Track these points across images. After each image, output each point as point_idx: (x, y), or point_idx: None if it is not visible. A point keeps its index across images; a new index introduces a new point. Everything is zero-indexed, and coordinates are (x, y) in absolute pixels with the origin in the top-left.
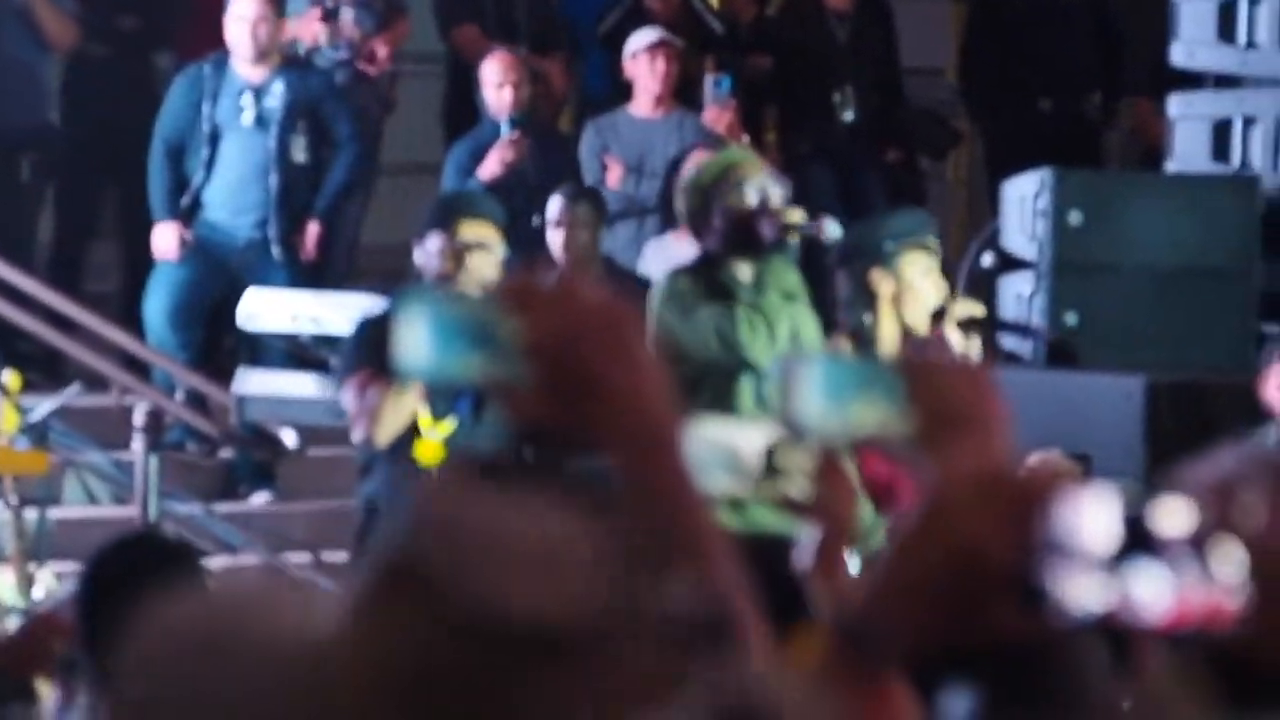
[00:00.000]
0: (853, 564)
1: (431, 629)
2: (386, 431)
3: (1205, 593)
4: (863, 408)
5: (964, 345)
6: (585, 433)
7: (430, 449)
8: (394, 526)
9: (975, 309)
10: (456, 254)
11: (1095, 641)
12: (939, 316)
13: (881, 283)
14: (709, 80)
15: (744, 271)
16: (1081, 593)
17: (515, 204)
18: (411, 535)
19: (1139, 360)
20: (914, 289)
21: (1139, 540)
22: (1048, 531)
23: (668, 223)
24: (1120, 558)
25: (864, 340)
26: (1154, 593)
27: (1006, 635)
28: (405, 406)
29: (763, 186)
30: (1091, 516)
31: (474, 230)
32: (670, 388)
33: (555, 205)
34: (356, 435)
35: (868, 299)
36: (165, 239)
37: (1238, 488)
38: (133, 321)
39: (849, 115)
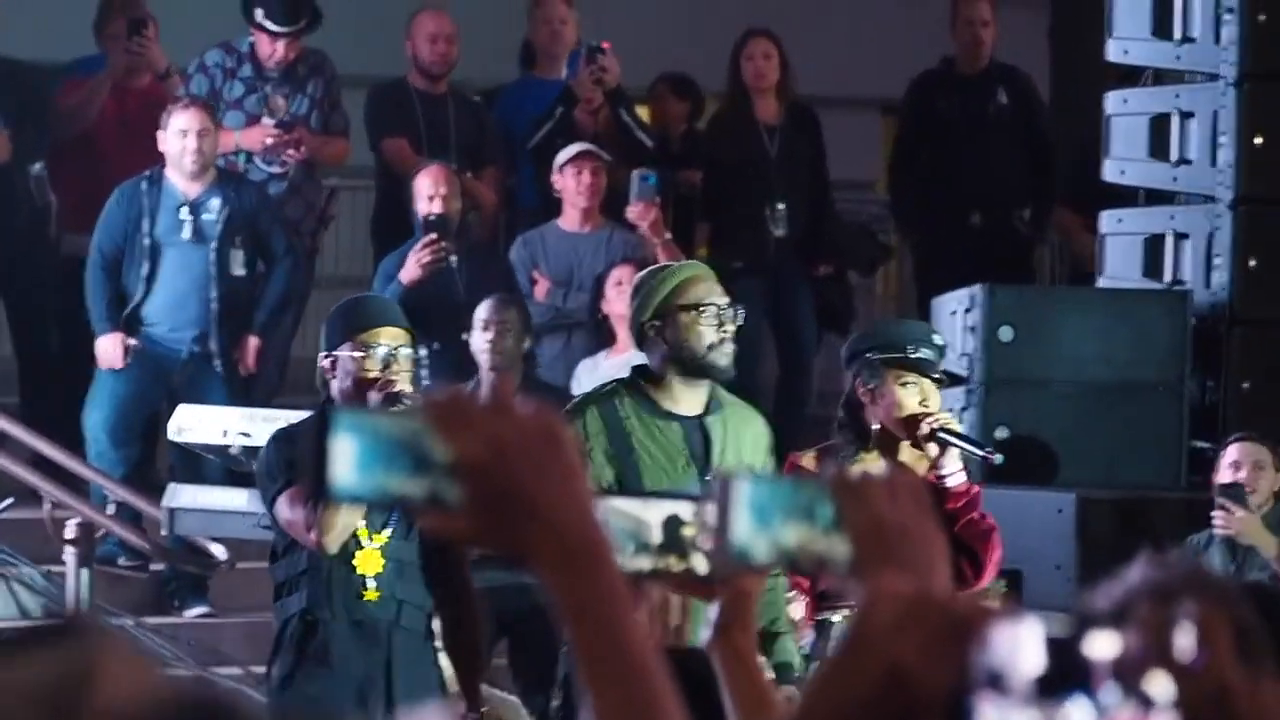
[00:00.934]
0: (758, 648)
1: None
2: (336, 540)
3: None
4: (792, 529)
5: (931, 457)
6: (515, 550)
7: (370, 559)
8: None
9: (953, 423)
10: (383, 362)
11: None
12: (914, 424)
13: (862, 392)
14: (635, 175)
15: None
16: (1012, 718)
17: (445, 318)
18: None
19: (1071, 476)
20: (891, 399)
21: (1068, 668)
22: (978, 658)
23: (597, 338)
24: (1049, 686)
25: (843, 446)
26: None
27: None
28: (351, 514)
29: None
30: (1021, 644)
31: (390, 336)
32: (597, 503)
33: (485, 308)
34: (307, 542)
35: (853, 408)
36: (110, 349)
37: (1168, 609)
38: (42, 430)
39: (780, 230)
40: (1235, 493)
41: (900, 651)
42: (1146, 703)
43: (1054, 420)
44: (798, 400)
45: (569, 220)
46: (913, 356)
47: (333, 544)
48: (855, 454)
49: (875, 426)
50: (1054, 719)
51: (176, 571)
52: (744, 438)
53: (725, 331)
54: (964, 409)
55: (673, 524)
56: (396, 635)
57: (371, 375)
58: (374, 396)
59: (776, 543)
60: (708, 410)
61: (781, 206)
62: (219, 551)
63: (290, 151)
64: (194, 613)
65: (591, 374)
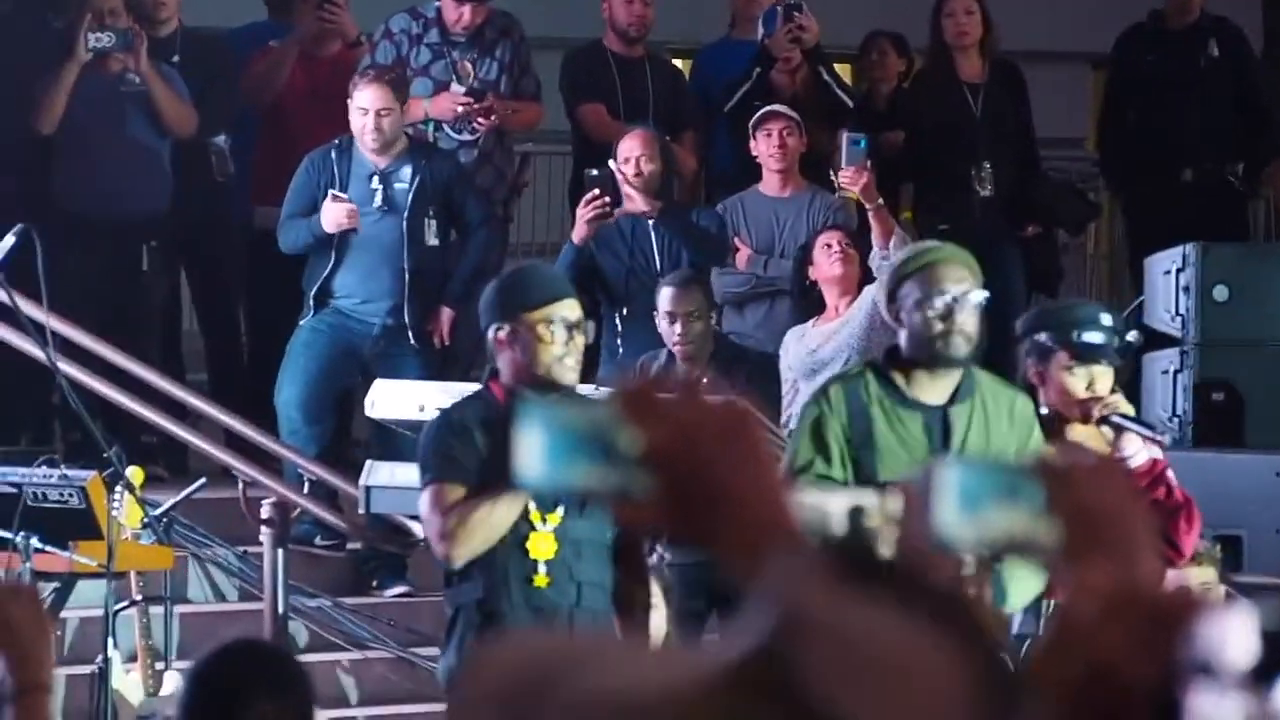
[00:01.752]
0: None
1: (777, 714)
2: (464, 553)
3: None
4: (999, 516)
5: (1105, 442)
6: (707, 539)
7: (543, 541)
8: (759, 615)
9: (1124, 405)
10: (566, 332)
11: None
12: (1085, 410)
13: (1032, 374)
14: (845, 139)
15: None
16: (1223, 712)
17: (641, 285)
18: (778, 629)
19: None
20: (1058, 384)
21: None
22: (1188, 650)
23: (800, 308)
24: (1262, 676)
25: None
26: None
27: None
28: (491, 523)
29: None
30: (1232, 634)
31: (568, 308)
32: (790, 489)
33: (666, 299)
34: (437, 550)
35: (1028, 385)
36: (335, 213)
37: None
38: (231, 408)
39: (987, 191)
40: None
41: (1105, 647)
42: None
43: (1271, 380)
44: (1008, 367)
45: (768, 185)
46: (1078, 341)
47: (460, 558)
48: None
49: (1044, 410)
50: (1268, 708)
51: (374, 551)
52: (998, 423)
53: (952, 322)
54: (1178, 370)
55: (856, 515)
56: (579, 618)
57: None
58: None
59: (983, 530)
60: (954, 398)
61: (988, 166)
62: (418, 530)
63: (480, 119)
64: (393, 592)
65: (799, 343)
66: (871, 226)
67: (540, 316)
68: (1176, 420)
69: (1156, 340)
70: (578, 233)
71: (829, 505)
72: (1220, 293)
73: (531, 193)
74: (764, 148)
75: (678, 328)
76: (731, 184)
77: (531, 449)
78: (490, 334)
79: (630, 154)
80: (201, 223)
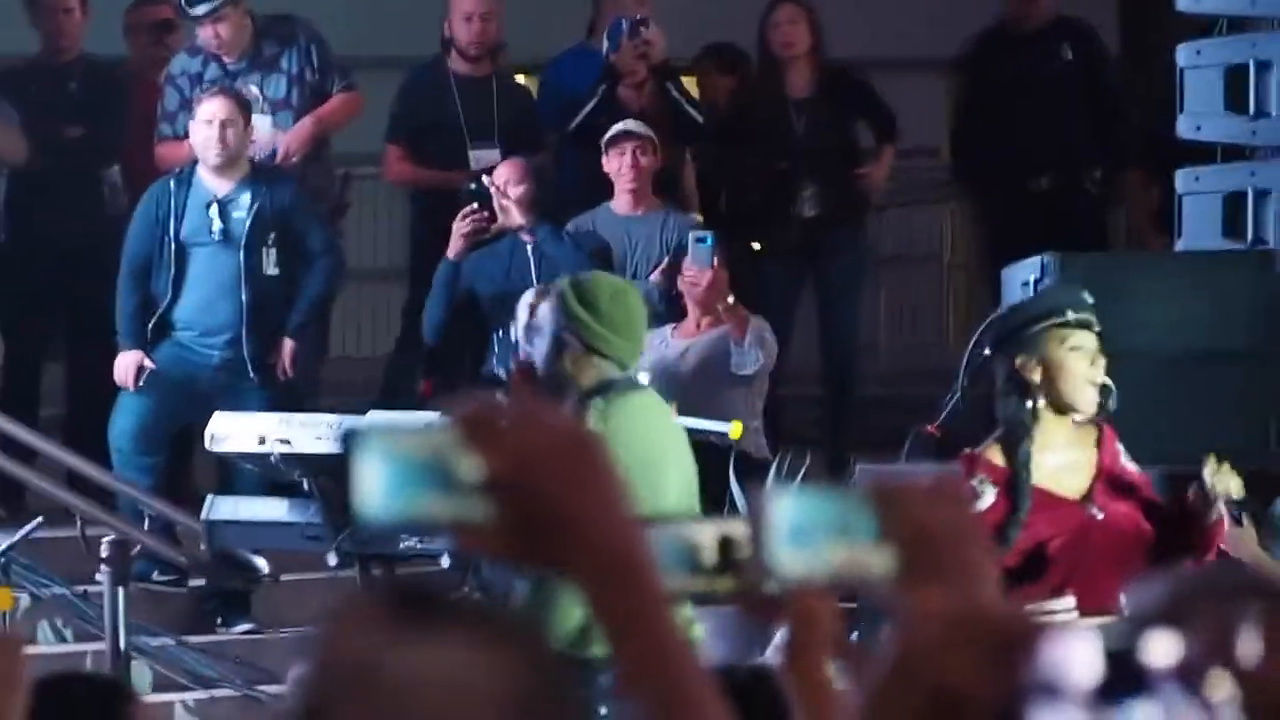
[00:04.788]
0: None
1: None
2: None
3: None
4: (833, 545)
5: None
6: (552, 566)
7: None
8: (306, 669)
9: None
10: None
11: None
12: (1094, 393)
13: (1029, 370)
14: (691, 238)
15: None
16: None
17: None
18: (312, 680)
19: (1154, 451)
20: (1065, 369)
21: (1126, 676)
22: (1032, 671)
23: (669, 314)
24: (1108, 695)
25: (1018, 434)
26: None
27: None
28: None
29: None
30: (1077, 654)
31: None
32: (635, 509)
33: (530, 296)
34: None
35: (1020, 389)
36: (124, 369)
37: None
38: (81, 446)
39: (811, 210)
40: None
41: (947, 672)
42: (1207, 706)
43: (1134, 393)
44: (848, 386)
45: (620, 204)
46: (1074, 318)
47: None
48: (1032, 444)
49: (1037, 404)
50: None
51: (218, 587)
52: None
53: None
54: None
55: (727, 545)
56: None
57: None
58: None
59: (816, 560)
60: None
61: (809, 187)
62: (262, 564)
63: (295, 148)
64: (238, 629)
65: (659, 349)
66: (726, 322)
67: None
68: None
69: None
70: (453, 247)
71: (697, 535)
72: None
73: (358, 215)
74: (616, 166)
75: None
76: (578, 202)
77: (369, 481)
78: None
79: (499, 180)
80: (88, 257)
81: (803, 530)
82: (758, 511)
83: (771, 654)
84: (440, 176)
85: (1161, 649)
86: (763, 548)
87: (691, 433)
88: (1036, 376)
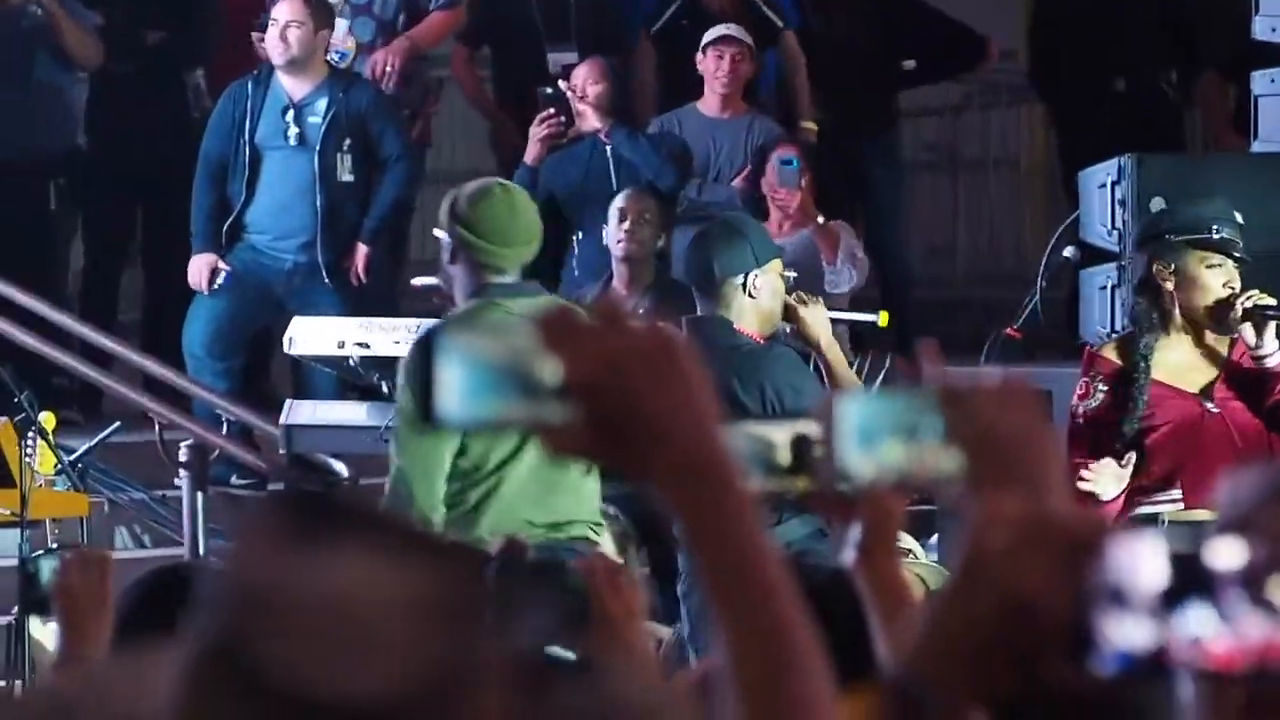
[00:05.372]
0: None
1: (248, 711)
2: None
3: (1261, 630)
4: (899, 446)
5: (1254, 338)
6: (635, 469)
7: None
8: (205, 597)
9: (1266, 299)
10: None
11: (1158, 692)
12: (1225, 307)
13: (1164, 276)
14: (775, 158)
15: None
16: (1135, 636)
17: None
18: (220, 609)
19: None
20: (1198, 284)
21: (1192, 580)
22: (1099, 576)
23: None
24: (1173, 599)
25: (1140, 331)
26: (1208, 632)
27: (1062, 687)
28: None
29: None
30: (1143, 558)
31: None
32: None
33: (622, 197)
34: None
35: (1153, 292)
36: (198, 271)
37: None
38: (158, 350)
39: None
40: None
41: (1017, 578)
42: (1272, 611)
43: None
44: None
45: (708, 105)
46: (1217, 237)
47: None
48: (1157, 340)
49: (1167, 309)
50: (1177, 631)
51: (298, 491)
52: None
53: None
54: (1115, 285)
55: (801, 444)
56: None
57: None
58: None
59: (884, 461)
60: None
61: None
62: (340, 468)
63: (386, 71)
64: None
65: None
66: (817, 243)
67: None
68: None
69: (1094, 255)
70: (530, 153)
71: (772, 435)
72: (1157, 204)
73: (449, 117)
74: (712, 67)
75: (626, 224)
76: (658, 106)
77: (450, 385)
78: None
79: (576, 80)
80: (169, 158)
81: (872, 432)
82: (829, 413)
83: (845, 554)
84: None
85: (1225, 553)
86: (833, 449)
87: (842, 322)
88: (1170, 285)
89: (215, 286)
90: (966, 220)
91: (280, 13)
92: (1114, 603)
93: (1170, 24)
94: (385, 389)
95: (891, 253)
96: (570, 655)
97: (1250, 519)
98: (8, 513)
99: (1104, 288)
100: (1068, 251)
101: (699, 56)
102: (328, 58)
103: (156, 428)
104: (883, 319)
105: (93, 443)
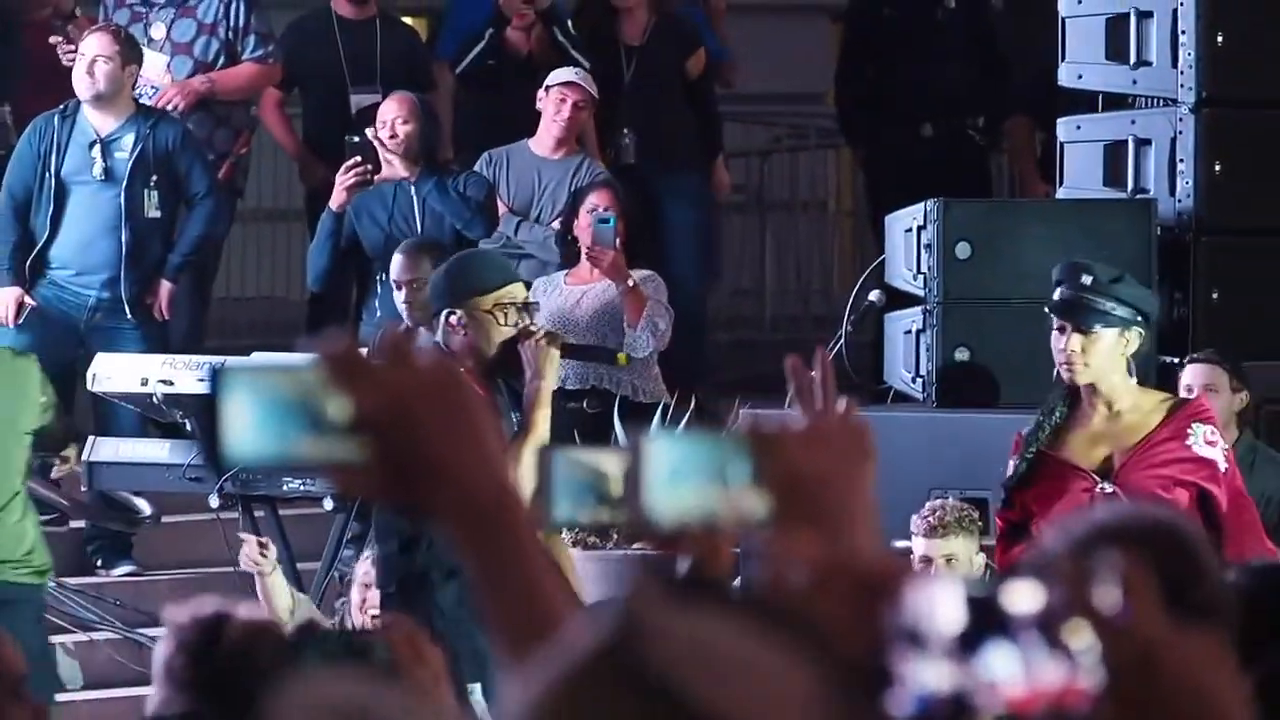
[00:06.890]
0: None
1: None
2: None
3: (1057, 673)
4: (706, 488)
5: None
6: (422, 509)
7: None
8: (599, 618)
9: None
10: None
11: None
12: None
13: None
14: (593, 217)
15: None
16: (933, 678)
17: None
18: (623, 626)
19: (1036, 397)
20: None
21: (989, 623)
22: (896, 618)
23: (565, 261)
24: (971, 642)
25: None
26: (1004, 674)
27: None
28: None
29: None
30: (940, 600)
31: (520, 290)
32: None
33: (395, 267)
34: None
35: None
36: (2, 305)
37: (1091, 563)
38: None
39: (628, 159)
40: None
41: (821, 620)
42: (1068, 655)
43: (1016, 339)
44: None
45: (541, 144)
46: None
47: None
48: (1051, 411)
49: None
50: (974, 673)
51: (98, 529)
52: None
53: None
54: (920, 330)
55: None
56: None
57: (530, 328)
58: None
59: (690, 503)
60: None
61: (628, 134)
62: (143, 506)
63: (176, 102)
64: (119, 572)
65: (553, 296)
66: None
67: (493, 301)
68: (920, 381)
69: (900, 299)
70: (335, 199)
71: (604, 465)
72: (963, 250)
73: (257, 158)
74: (552, 109)
75: (403, 295)
76: (471, 145)
77: (239, 423)
78: (441, 319)
79: (386, 116)
80: None
81: (679, 473)
82: (633, 454)
83: None
84: (300, 148)
85: (1022, 597)
86: (637, 490)
87: (582, 350)
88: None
89: (19, 322)
90: (774, 262)
91: (88, 47)
92: (912, 644)
93: (978, 70)
94: (188, 427)
95: (689, 291)
96: None
97: (1051, 564)
98: None
99: (909, 332)
100: (873, 295)
101: (540, 94)
102: (136, 93)
103: None
104: (621, 359)
105: None
